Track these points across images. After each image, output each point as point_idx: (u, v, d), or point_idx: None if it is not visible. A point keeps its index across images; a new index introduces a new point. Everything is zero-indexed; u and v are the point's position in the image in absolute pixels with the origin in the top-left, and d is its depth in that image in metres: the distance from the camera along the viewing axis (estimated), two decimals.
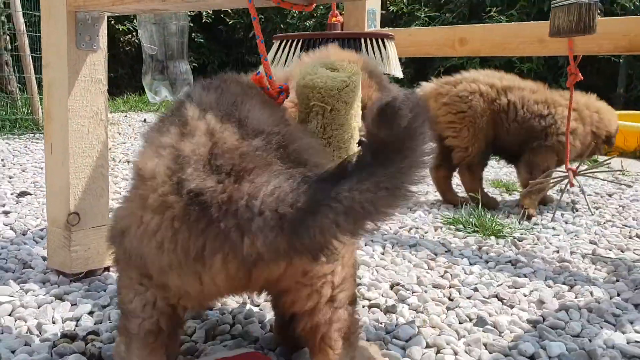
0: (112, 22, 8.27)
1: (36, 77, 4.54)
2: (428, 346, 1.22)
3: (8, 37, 4.88)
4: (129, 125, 5.51)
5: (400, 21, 7.85)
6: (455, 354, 1.19)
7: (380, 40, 1.73)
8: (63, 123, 1.47)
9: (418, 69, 7.66)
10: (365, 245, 1.94)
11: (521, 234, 2.14)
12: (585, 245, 2.03)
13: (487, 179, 3.33)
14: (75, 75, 1.46)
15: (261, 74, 1.03)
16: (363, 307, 1.42)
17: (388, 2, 7.77)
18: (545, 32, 1.74)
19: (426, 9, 7.67)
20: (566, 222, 2.37)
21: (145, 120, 5.83)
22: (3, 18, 4.91)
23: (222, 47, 10.53)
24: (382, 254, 1.89)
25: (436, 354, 1.19)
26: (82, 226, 1.52)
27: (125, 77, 9.43)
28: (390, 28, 2.35)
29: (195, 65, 9.59)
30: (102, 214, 1.56)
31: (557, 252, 1.95)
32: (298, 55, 1.63)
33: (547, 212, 2.53)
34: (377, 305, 1.43)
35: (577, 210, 2.60)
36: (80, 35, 1.46)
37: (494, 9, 6.90)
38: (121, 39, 9.33)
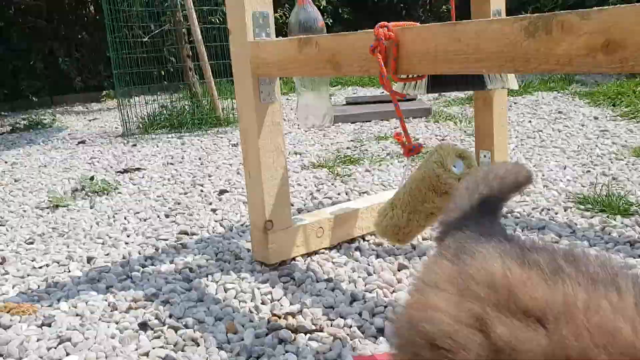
0: None
1: (215, 81, 5.38)
2: None
3: (188, 46, 5.77)
4: (291, 109, 6.19)
5: None
6: None
7: None
8: (256, 157, 2.03)
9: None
10: None
11: None
12: None
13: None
14: (261, 122, 2.00)
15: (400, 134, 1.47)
16: None
17: None
18: None
19: None
20: None
21: None
22: (184, 30, 5.80)
23: None
24: None
25: None
26: (274, 229, 2.09)
27: None
28: None
29: None
30: (286, 220, 2.12)
31: None
32: (424, 87, 2.01)
33: None
34: None
35: None
36: (262, 93, 1.99)
37: None
38: None
